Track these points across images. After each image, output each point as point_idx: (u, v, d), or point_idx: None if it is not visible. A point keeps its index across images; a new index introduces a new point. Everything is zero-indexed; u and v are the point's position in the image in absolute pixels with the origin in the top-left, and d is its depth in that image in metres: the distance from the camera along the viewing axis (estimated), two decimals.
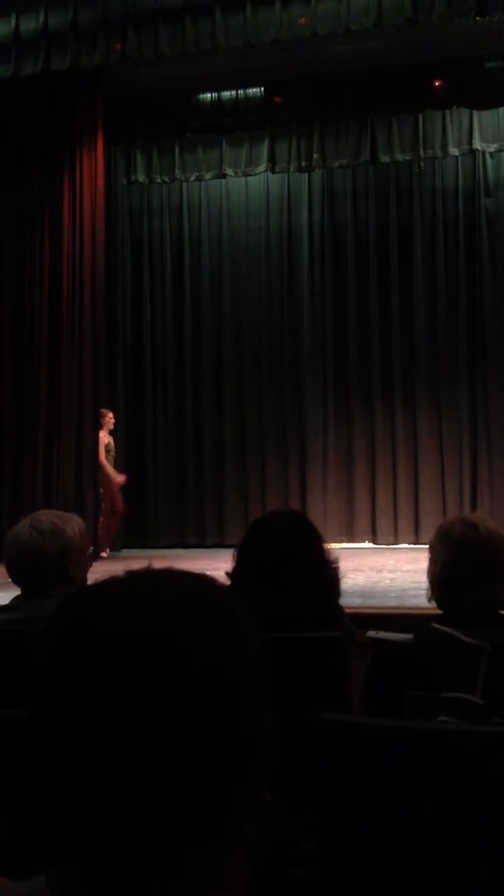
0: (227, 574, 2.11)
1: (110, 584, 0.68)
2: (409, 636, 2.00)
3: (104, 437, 8.02)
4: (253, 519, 2.33)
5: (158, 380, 9.40)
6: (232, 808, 0.63)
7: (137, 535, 8.96)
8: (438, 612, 2.11)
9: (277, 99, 8.16)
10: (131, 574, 0.69)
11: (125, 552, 8.50)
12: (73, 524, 2.46)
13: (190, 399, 9.31)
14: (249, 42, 6.90)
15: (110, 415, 8.15)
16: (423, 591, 2.17)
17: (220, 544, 8.42)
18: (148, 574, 0.69)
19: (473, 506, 8.47)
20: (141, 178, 8.86)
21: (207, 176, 8.84)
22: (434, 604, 2.09)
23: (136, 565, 0.71)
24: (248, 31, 6.85)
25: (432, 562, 2.10)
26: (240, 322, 9.27)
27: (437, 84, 7.82)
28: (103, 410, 8.05)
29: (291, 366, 9.14)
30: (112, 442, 8.14)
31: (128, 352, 9.30)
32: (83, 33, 7.07)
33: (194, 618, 0.64)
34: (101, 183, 8.05)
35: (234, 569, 2.13)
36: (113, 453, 8.14)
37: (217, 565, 1.98)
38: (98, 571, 1.13)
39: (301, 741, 1.41)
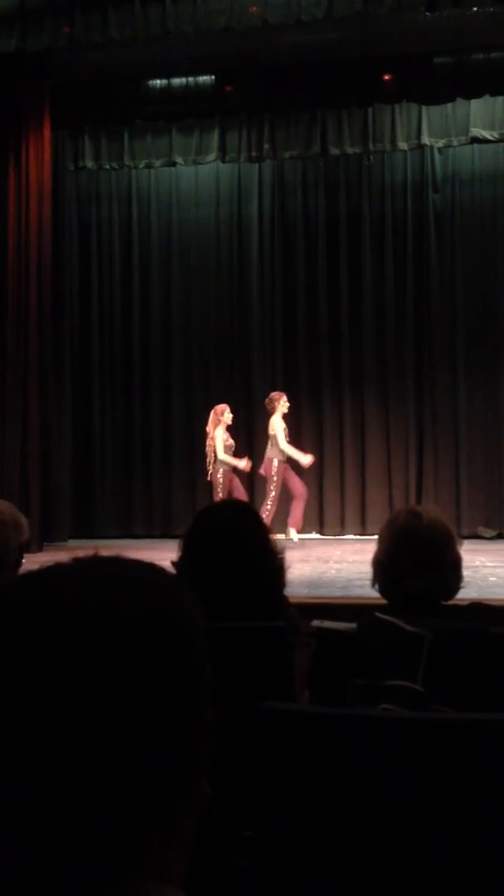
0: (173, 563, 2.11)
1: (54, 570, 0.67)
2: (353, 625, 2.02)
3: (223, 434, 7.84)
4: (200, 509, 2.33)
5: (106, 369, 9.32)
6: (169, 799, 0.63)
7: (84, 525, 8.88)
8: (383, 602, 2.15)
9: (228, 88, 8.13)
10: (77, 561, 0.68)
11: (71, 542, 8.43)
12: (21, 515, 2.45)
13: (138, 388, 9.25)
14: (200, 29, 6.86)
15: (227, 410, 7.93)
16: (369, 582, 2.21)
17: (168, 535, 8.40)
18: (93, 562, 0.68)
19: (419, 498, 8.59)
20: (89, 163, 8.75)
21: (157, 163, 8.78)
22: (377, 588, 2.14)
23: (84, 554, 0.71)
24: (198, 18, 6.81)
25: (377, 547, 2.15)
26: (189, 312, 9.24)
27: (386, 78, 7.87)
28: (220, 407, 7.90)
29: (240, 356, 9.14)
30: (230, 438, 7.92)
31: (75, 340, 9.19)
32: (31, 15, 6.95)
33: (139, 607, 0.64)
34: (48, 168, 7.93)
35: (180, 558, 2.13)
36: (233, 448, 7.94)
37: (164, 555, 1.98)
38: (38, 561, 1.12)
39: (245, 730, 1.42)
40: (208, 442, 7.91)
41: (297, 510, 7.93)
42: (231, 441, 7.93)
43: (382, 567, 2.11)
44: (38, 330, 7.80)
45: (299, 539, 7.88)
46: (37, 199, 7.83)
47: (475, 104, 8.04)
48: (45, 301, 7.87)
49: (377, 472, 8.84)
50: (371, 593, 2.25)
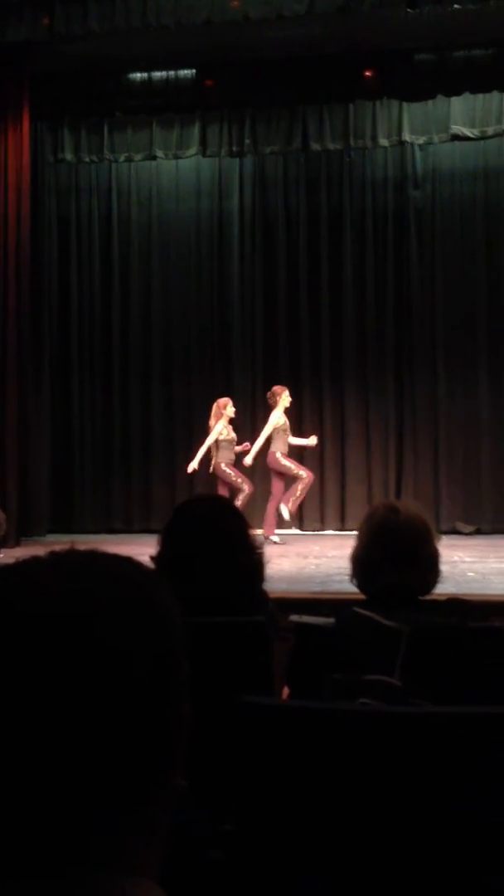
0: (152, 558, 2.10)
1: (29, 564, 0.66)
2: (331, 620, 2.03)
3: (221, 426, 7.79)
4: (179, 504, 2.33)
5: (85, 363, 9.28)
6: (144, 793, 0.63)
7: (63, 520, 8.84)
8: (362, 597, 2.15)
9: (209, 82, 8.11)
10: (53, 555, 0.67)
11: (50, 537, 8.39)
12: None
13: (117, 382, 9.22)
14: (180, 22, 6.84)
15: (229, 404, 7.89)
16: (348, 577, 2.22)
17: (147, 530, 8.37)
18: (70, 556, 0.67)
19: (398, 493, 8.62)
20: (68, 156, 8.70)
21: (137, 157, 8.74)
22: (355, 583, 2.15)
23: (60, 548, 0.70)
24: (179, 11, 6.79)
25: (356, 543, 2.16)
26: (168, 306, 9.22)
27: (367, 74, 7.88)
28: (223, 400, 7.86)
29: (220, 351, 9.13)
30: (232, 431, 7.87)
31: (54, 334, 9.14)
32: (9, 5, 6.90)
33: (114, 602, 0.63)
34: (26, 160, 7.87)
35: (159, 553, 2.13)
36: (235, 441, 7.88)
37: (143, 550, 1.97)
38: (15, 556, 1.11)
39: (223, 725, 1.42)
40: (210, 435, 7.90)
41: (302, 496, 7.95)
42: (233, 434, 7.90)
43: (360, 562, 2.12)
44: (16, 324, 7.75)
45: (279, 538, 7.86)
46: (15, 192, 7.77)
47: (456, 101, 8.07)
48: (24, 295, 7.82)
49: (357, 467, 8.87)
50: (350, 588, 2.26)
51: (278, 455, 7.76)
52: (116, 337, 9.25)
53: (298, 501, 7.84)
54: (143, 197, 9.28)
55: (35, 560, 0.67)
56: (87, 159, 8.77)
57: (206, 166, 9.13)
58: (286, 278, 9.06)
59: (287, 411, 7.94)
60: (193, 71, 8.10)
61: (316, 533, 8.64)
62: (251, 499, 7.81)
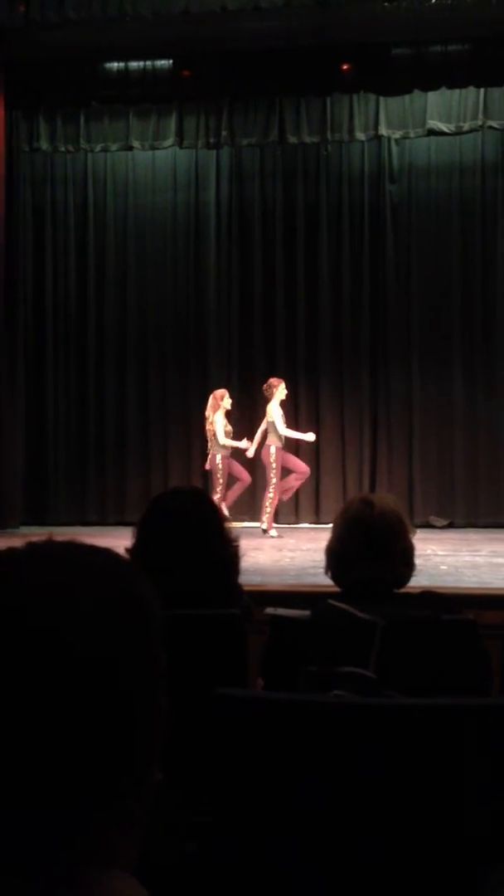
0: (127, 550, 2.10)
1: (6, 556, 0.66)
2: (306, 613, 2.04)
3: (222, 419, 7.76)
4: (154, 496, 2.32)
5: (60, 355, 9.22)
6: (120, 785, 0.63)
7: (37, 512, 8.79)
8: (337, 590, 2.16)
9: (186, 73, 8.06)
10: (31, 546, 0.67)
11: (24, 529, 8.34)
12: None
13: (92, 375, 9.17)
14: (158, 12, 6.80)
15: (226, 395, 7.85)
16: (323, 570, 2.22)
17: (121, 522, 8.34)
18: (48, 547, 0.67)
19: (373, 487, 8.67)
20: (44, 145, 8.62)
21: (113, 147, 8.68)
22: (330, 576, 2.16)
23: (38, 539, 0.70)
24: (156, 1, 6.74)
25: (331, 535, 2.17)
26: (145, 297, 9.18)
27: (345, 68, 7.88)
28: (220, 392, 7.82)
29: (196, 343, 9.11)
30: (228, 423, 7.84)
31: (28, 325, 9.07)
32: None
33: (93, 593, 0.63)
34: (1, 148, 7.80)
35: (134, 545, 2.12)
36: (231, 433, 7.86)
37: (118, 542, 1.96)
38: None
39: (199, 717, 1.42)
40: (208, 427, 7.89)
41: (296, 485, 8.00)
42: (230, 426, 7.89)
43: (334, 555, 2.13)
44: None
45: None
46: None
47: (432, 96, 8.10)
48: None
49: (331, 461, 8.90)
50: (325, 581, 2.27)
51: (272, 449, 7.76)
52: (91, 328, 9.20)
53: (274, 503, 7.80)
54: (119, 187, 9.22)
55: (12, 551, 0.66)
56: (63, 149, 8.69)
57: (182, 157, 9.09)
58: (262, 271, 9.05)
59: (282, 403, 7.91)
60: (170, 61, 8.05)
61: (291, 526, 8.67)
62: (246, 490, 7.92)
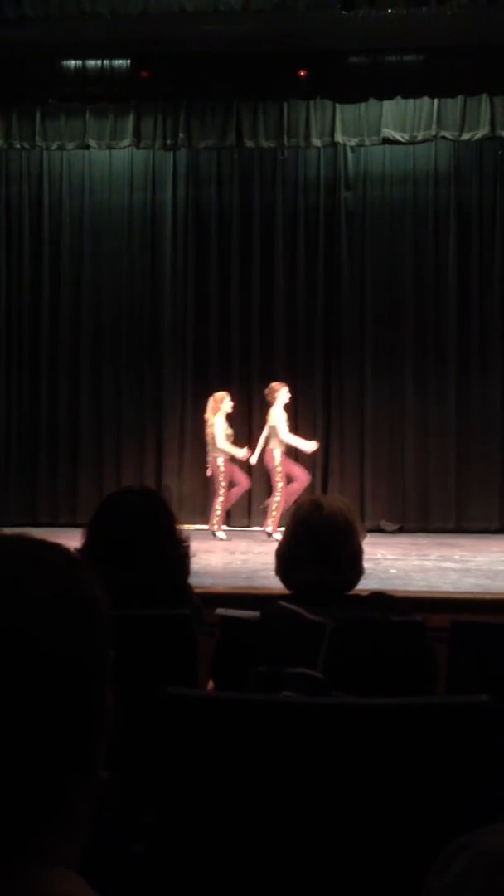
0: (77, 550, 2.08)
1: None
2: (256, 614, 2.04)
3: (222, 422, 7.64)
4: (106, 495, 2.31)
5: (13, 354, 9.11)
6: (63, 784, 0.62)
7: None
8: (287, 592, 2.17)
9: (144, 73, 8.03)
10: None
11: None
12: None
13: (45, 375, 9.08)
14: (116, 11, 6.76)
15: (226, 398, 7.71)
16: (273, 572, 2.23)
17: (73, 523, 8.25)
18: None
19: (325, 489, 8.72)
20: None
21: (70, 145, 8.60)
22: (280, 578, 2.17)
23: None
24: (114, 0, 6.71)
25: (282, 537, 2.18)
26: (99, 298, 9.12)
27: (302, 74, 7.93)
28: (220, 394, 7.68)
29: (150, 344, 9.08)
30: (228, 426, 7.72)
31: None
32: None
33: (41, 589, 0.63)
34: None
35: (84, 544, 2.11)
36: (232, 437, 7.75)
37: (69, 544, 1.94)
38: None
39: (147, 716, 1.42)
40: (207, 430, 7.78)
41: (299, 491, 7.93)
42: (230, 430, 7.80)
43: (282, 558, 2.14)
44: None
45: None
46: None
47: (387, 105, 8.18)
48: None
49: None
50: (276, 583, 2.28)
51: (276, 453, 7.70)
52: (45, 328, 9.11)
53: (281, 508, 7.62)
54: (74, 186, 9.15)
55: None
56: (19, 145, 8.59)
57: (139, 158, 9.06)
58: (218, 273, 9.05)
59: (286, 407, 7.84)
60: (128, 61, 8.01)
61: (243, 529, 8.67)
62: (245, 494, 7.89)
